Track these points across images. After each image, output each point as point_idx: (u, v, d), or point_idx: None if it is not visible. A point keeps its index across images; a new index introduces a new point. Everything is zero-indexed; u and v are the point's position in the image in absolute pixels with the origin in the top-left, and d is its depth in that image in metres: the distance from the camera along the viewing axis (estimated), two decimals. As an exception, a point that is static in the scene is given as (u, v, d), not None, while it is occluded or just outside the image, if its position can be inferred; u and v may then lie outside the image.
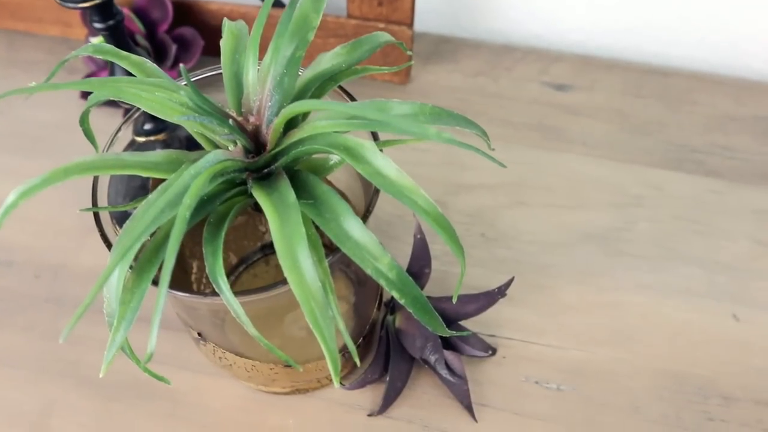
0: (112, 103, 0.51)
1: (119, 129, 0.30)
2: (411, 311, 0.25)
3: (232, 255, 0.40)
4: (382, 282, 0.24)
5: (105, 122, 0.47)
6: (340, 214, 0.25)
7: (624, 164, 0.48)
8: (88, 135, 0.31)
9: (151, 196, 0.24)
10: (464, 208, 0.46)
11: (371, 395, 0.38)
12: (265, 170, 0.27)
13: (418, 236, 0.37)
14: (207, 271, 0.25)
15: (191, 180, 0.23)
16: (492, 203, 0.46)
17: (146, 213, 0.23)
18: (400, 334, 0.37)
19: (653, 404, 0.38)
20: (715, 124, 0.51)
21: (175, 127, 0.42)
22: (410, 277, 0.25)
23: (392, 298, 0.39)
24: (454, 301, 0.27)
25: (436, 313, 0.25)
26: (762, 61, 0.54)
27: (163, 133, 0.42)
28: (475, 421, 0.37)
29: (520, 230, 0.45)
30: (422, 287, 0.38)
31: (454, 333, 0.28)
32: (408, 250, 0.40)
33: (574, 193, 0.47)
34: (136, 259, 0.25)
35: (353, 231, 0.24)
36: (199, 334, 0.32)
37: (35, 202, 0.48)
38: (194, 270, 0.37)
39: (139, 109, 0.31)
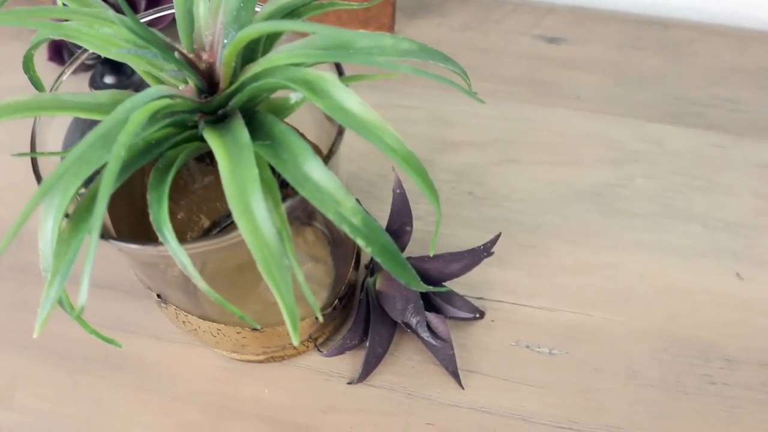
0: (85, 68, 0.49)
1: (62, 73, 0.28)
2: (379, 261, 0.22)
3: (204, 218, 0.38)
4: (345, 228, 0.22)
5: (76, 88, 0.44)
6: (298, 154, 0.22)
7: (620, 119, 0.46)
8: (35, 83, 0.29)
9: (86, 136, 0.21)
10: (451, 166, 0.43)
11: (351, 362, 0.36)
12: (220, 112, 0.25)
13: (398, 191, 0.35)
14: (151, 219, 0.22)
15: (127, 115, 0.21)
16: (480, 161, 0.44)
17: (76, 152, 0.20)
18: (381, 297, 0.35)
19: (651, 368, 0.36)
20: (718, 76, 0.48)
21: (141, 82, 0.39)
22: (378, 223, 0.22)
23: (372, 258, 0.37)
24: (431, 253, 0.25)
25: (409, 264, 0.23)
26: (767, 10, 0.51)
27: (128, 89, 0.39)
28: (462, 387, 0.35)
29: (510, 188, 0.43)
30: (404, 246, 0.36)
31: (430, 288, 0.26)
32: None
33: (567, 149, 0.44)
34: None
35: (313, 173, 0.22)
36: (159, 296, 0.30)
37: None
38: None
39: (86, 50, 0.28)
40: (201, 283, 0.22)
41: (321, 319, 0.22)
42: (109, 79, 0.38)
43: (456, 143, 0.45)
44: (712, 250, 0.40)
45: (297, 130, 0.31)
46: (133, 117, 0.21)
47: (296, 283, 0.21)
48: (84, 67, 0.36)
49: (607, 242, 0.40)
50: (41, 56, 0.51)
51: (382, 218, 0.39)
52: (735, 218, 0.41)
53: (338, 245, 0.34)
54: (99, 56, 0.39)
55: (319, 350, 0.36)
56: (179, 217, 0.35)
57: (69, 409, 0.36)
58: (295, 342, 0.21)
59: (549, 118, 0.46)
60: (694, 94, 0.47)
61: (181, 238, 0.23)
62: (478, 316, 0.36)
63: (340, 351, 0.35)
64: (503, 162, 0.44)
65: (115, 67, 0.38)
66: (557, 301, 0.38)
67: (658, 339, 0.37)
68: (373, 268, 0.36)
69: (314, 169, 0.22)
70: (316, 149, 0.34)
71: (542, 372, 0.36)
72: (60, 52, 0.50)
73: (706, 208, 0.42)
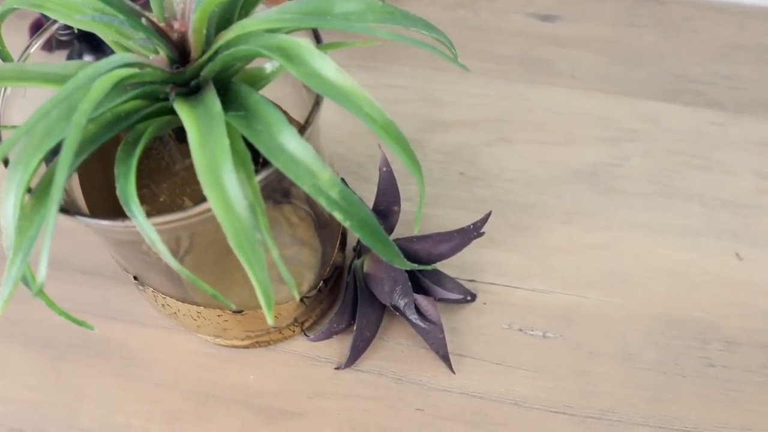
0: (61, 45, 0.47)
1: (30, 45, 0.27)
2: (359, 236, 0.21)
3: (187, 200, 0.37)
4: (321, 201, 0.21)
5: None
6: (273, 124, 0.21)
7: (616, 97, 0.45)
8: (4, 56, 0.28)
9: (42, 104, 0.20)
10: (441, 146, 0.42)
11: (338, 347, 0.35)
12: (193, 83, 0.24)
13: (384, 169, 0.33)
14: (118, 193, 0.21)
15: (88, 82, 0.20)
16: (472, 141, 0.43)
17: (31, 120, 0.19)
18: (368, 279, 0.34)
19: (648, 351, 0.35)
20: (716, 53, 0.47)
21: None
22: (358, 197, 0.21)
23: (359, 240, 0.36)
24: (415, 230, 0.23)
25: (390, 240, 0.22)
26: (767, -14, 0.50)
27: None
28: (453, 372, 0.34)
29: (502, 168, 0.41)
30: (391, 227, 0.35)
31: (414, 266, 0.24)
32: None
33: (561, 128, 0.43)
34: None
35: (288, 144, 0.21)
36: (136, 278, 0.29)
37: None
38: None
39: (56, 21, 0.27)
40: (171, 261, 0.21)
41: (298, 297, 0.22)
42: (88, 58, 0.37)
43: (447, 123, 0.44)
44: (711, 229, 0.39)
45: (278, 106, 0.30)
46: (96, 84, 0.19)
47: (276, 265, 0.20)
48: (59, 44, 0.35)
49: (602, 222, 0.39)
50: (24, 39, 0.50)
51: (371, 199, 0.38)
52: (734, 197, 0.40)
53: (323, 226, 0.33)
54: (74, 32, 0.38)
55: (305, 335, 0.35)
56: (161, 199, 0.34)
57: (51, 397, 0.35)
58: (270, 322, 0.20)
59: (543, 97, 0.45)
60: (693, 72, 0.46)
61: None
62: (469, 298, 0.35)
63: (327, 335, 0.34)
64: (495, 141, 0.43)
65: (94, 45, 0.37)
66: (551, 283, 0.37)
67: (655, 321, 0.36)
68: (360, 250, 0.35)
69: (289, 139, 0.21)
70: (300, 128, 0.33)
71: (536, 355, 0.35)
72: (42, 34, 0.48)
73: (704, 187, 0.41)
